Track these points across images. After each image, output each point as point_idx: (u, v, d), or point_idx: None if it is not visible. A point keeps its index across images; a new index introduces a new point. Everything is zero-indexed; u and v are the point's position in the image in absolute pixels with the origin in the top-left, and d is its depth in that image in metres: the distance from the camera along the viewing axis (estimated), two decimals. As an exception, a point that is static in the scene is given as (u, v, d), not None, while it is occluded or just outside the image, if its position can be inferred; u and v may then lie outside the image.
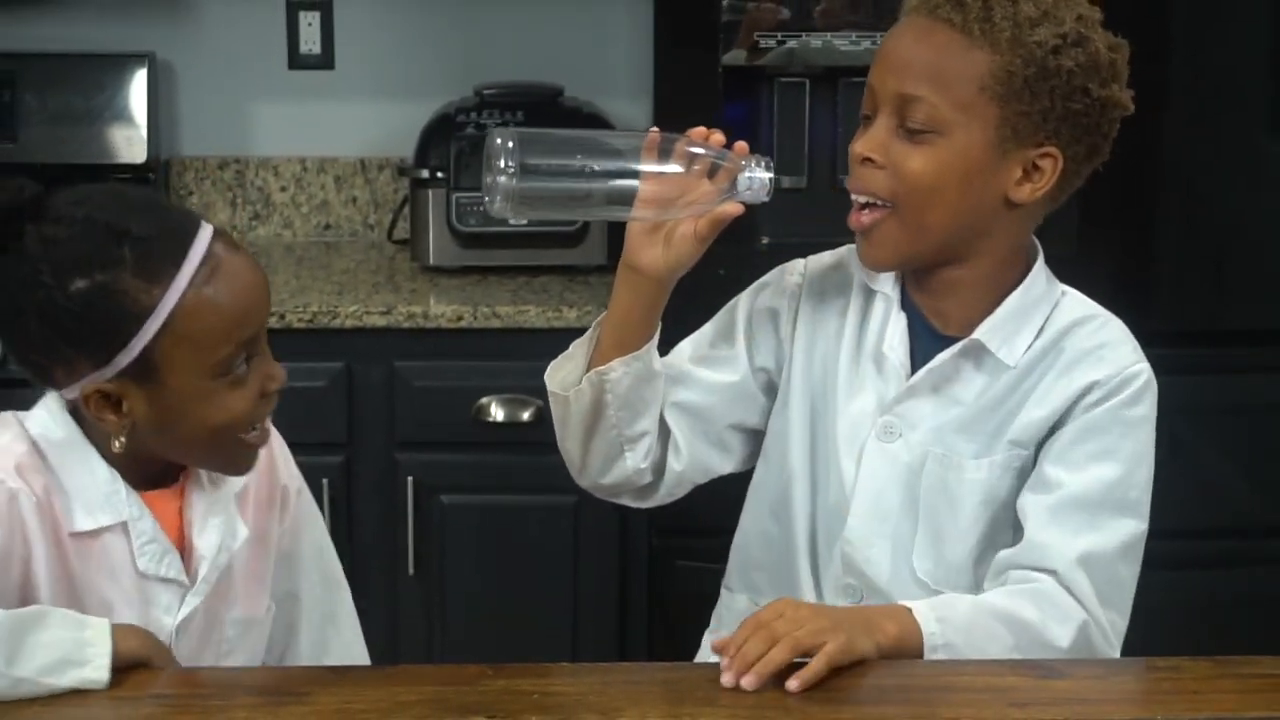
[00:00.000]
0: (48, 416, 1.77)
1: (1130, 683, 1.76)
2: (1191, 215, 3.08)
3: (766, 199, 1.83)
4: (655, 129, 1.83)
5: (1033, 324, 1.91)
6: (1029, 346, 1.91)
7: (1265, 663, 1.75)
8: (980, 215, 1.87)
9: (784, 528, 2.00)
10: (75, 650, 1.65)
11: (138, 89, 3.56)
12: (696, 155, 1.81)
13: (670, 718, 1.62)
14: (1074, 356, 1.90)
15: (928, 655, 1.74)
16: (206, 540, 1.81)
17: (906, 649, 1.74)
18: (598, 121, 3.41)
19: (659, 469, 2.00)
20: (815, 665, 1.65)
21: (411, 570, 3.15)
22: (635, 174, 1.82)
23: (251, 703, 1.65)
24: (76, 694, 1.67)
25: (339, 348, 3.11)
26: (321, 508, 3.10)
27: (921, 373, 1.92)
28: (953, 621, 1.77)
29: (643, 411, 1.93)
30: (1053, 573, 1.83)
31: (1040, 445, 1.90)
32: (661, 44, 3.04)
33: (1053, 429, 1.89)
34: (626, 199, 1.82)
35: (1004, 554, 1.87)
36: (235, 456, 1.80)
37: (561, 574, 3.16)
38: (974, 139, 1.83)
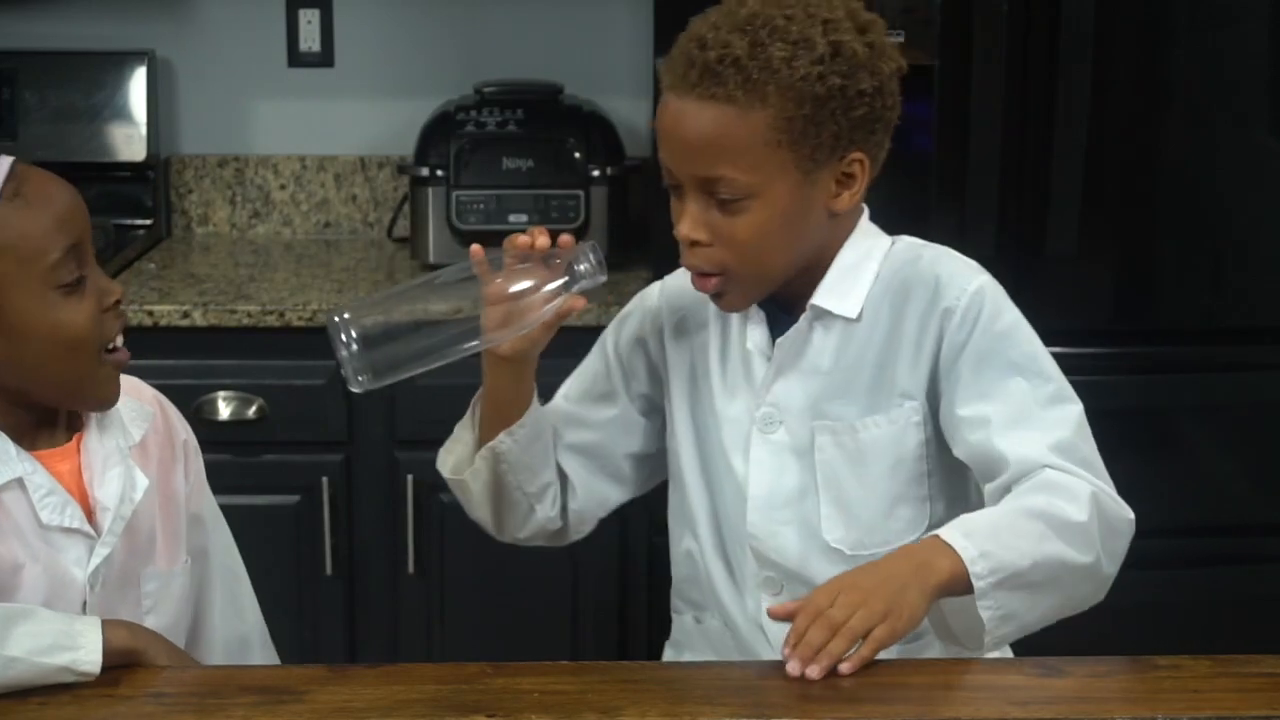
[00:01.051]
0: None
1: (1131, 681, 1.76)
2: (1191, 214, 3.08)
3: (604, 279, 1.89)
4: (477, 247, 1.89)
5: (866, 275, 1.95)
6: (867, 295, 1.94)
7: (1265, 661, 1.75)
8: (812, 238, 1.91)
9: (695, 540, 2.04)
10: (66, 637, 1.68)
11: (137, 87, 3.57)
12: (525, 268, 1.87)
13: (670, 716, 1.62)
14: (920, 293, 1.93)
15: (971, 568, 1.74)
16: (107, 491, 1.83)
17: (958, 576, 1.74)
18: (597, 119, 3.42)
19: (565, 512, 2.08)
20: (863, 652, 1.68)
21: (412, 569, 3.15)
22: (475, 306, 1.87)
23: (250, 701, 1.65)
24: (74, 693, 1.67)
25: (339, 346, 3.10)
26: (320, 506, 3.12)
27: (776, 353, 1.95)
28: (978, 531, 1.78)
29: (540, 467, 2.03)
30: (1041, 469, 1.84)
31: (930, 393, 1.93)
32: (661, 43, 3.03)
33: (934, 372, 1.92)
34: (474, 332, 1.88)
35: (993, 485, 1.88)
36: (97, 379, 1.82)
37: (561, 573, 3.16)
38: (781, 187, 1.85)
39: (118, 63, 3.58)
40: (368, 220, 3.73)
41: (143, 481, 1.86)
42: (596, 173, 3.31)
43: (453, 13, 3.65)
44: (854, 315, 1.93)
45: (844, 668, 1.67)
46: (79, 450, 1.85)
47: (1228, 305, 3.11)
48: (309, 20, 3.66)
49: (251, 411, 3.09)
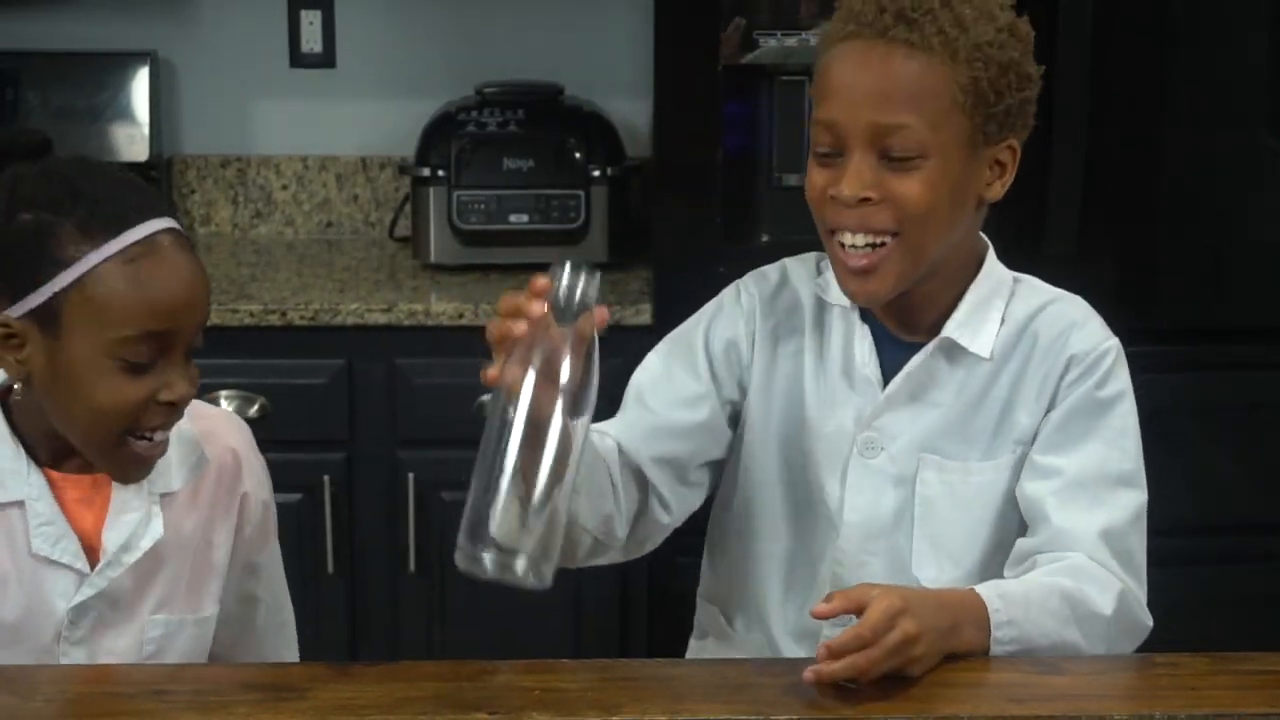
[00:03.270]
0: None
1: (1129, 678, 1.76)
2: (1190, 214, 3.08)
3: (593, 295, 1.61)
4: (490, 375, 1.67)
5: (995, 312, 1.91)
6: (996, 334, 1.90)
7: (1263, 659, 1.75)
8: (963, 226, 1.87)
9: (751, 550, 1.98)
10: None
11: (140, 87, 3.57)
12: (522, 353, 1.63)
13: (670, 714, 1.62)
14: (1049, 341, 1.90)
15: (995, 632, 1.72)
16: (113, 534, 1.80)
17: (977, 646, 1.73)
18: (597, 120, 3.42)
19: (642, 526, 1.94)
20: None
21: (413, 567, 3.15)
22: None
23: (253, 699, 1.64)
24: (76, 691, 1.67)
25: (340, 345, 3.11)
26: (322, 505, 3.12)
27: (898, 381, 1.90)
28: (1011, 598, 1.76)
29: (601, 502, 1.86)
30: (1078, 551, 1.83)
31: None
32: (661, 43, 3.04)
33: (1046, 417, 1.90)
34: (543, 433, 1.63)
35: (1025, 542, 1.86)
36: (118, 457, 1.76)
37: (562, 571, 3.15)
38: (953, 154, 1.80)
39: (121, 63, 3.58)
40: (369, 220, 3.73)
41: (156, 531, 1.81)
42: (597, 173, 3.31)
43: (454, 14, 3.65)
44: (987, 354, 1.89)
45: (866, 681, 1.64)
46: (107, 482, 1.81)
47: (1226, 305, 3.12)
48: (311, 21, 3.66)
49: (254, 410, 3.09)
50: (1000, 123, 1.82)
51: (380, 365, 3.13)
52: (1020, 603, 1.76)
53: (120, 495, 1.81)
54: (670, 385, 1.97)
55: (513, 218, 3.29)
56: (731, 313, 1.98)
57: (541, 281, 1.59)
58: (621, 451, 1.91)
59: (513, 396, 1.64)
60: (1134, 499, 1.88)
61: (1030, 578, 1.82)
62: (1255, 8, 3.01)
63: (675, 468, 1.94)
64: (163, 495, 1.84)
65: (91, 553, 1.80)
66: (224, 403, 3.08)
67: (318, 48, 3.67)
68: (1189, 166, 3.05)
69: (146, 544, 1.81)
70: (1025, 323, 1.91)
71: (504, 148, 3.30)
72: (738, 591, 2.03)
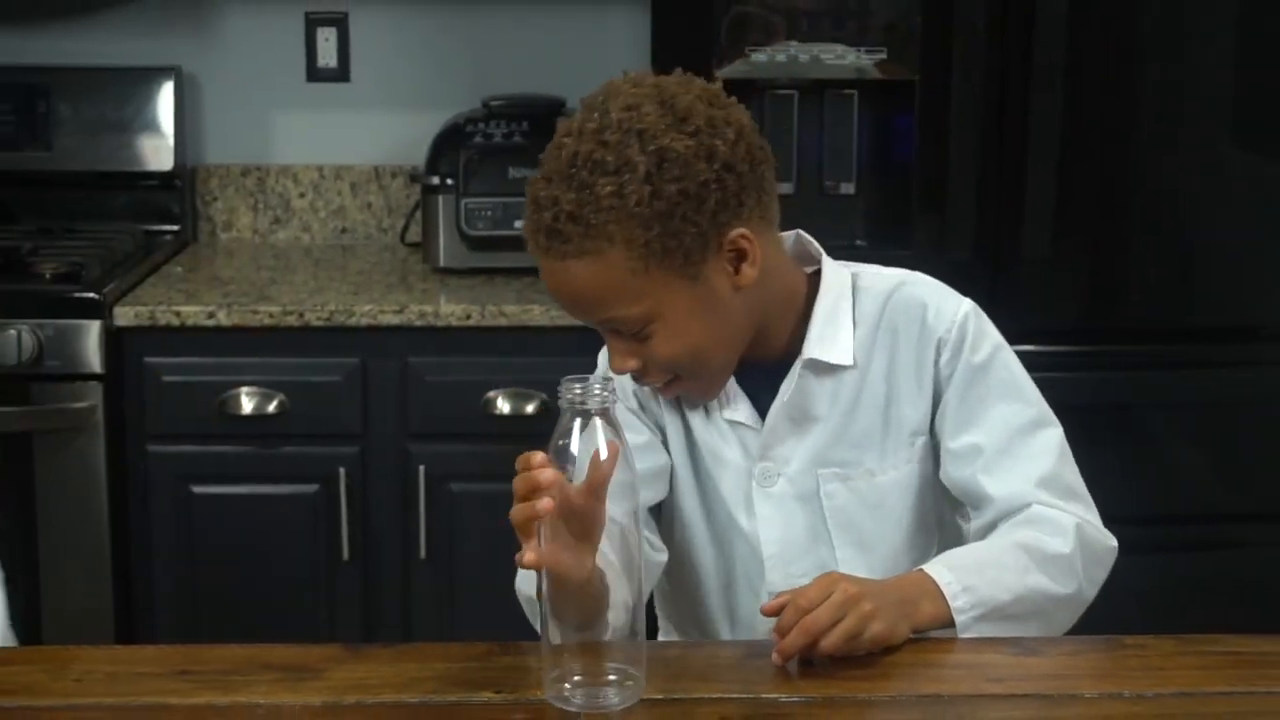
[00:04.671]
0: None
1: (1100, 659, 1.76)
2: (1159, 219, 3.09)
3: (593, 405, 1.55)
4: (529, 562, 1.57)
5: (845, 318, 1.87)
6: (853, 338, 1.87)
7: (1226, 640, 1.76)
8: (739, 318, 1.81)
9: (693, 585, 1.96)
10: None
11: (165, 100, 3.57)
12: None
13: (666, 692, 1.62)
14: (908, 330, 1.88)
15: (953, 603, 1.72)
16: None
17: (940, 617, 1.73)
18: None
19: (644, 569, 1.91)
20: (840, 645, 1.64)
21: (424, 554, 3.16)
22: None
23: (272, 679, 1.65)
24: (105, 669, 1.68)
25: (355, 344, 3.11)
26: (338, 496, 3.12)
27: (774, 413, 1.88)
28: (962, 566, 1.76)
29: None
30: (1026, 506, 1.83)
31: (932, 423, 1.89)
32: (658, 57, 3.04)
33: (933, 403, 1.88)
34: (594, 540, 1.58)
35: (978, 522, 1.86)
36: None
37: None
38: (676, 300, 1.75)
39: (146, 78, 3.58)
40: (382, 226, 3.73)
41: None
42: (598, 181, 3.31)
43: (461, 31, 3.65)
44: (850, 361, 1.86)
45: (825, 644, 1.63)
46: None
47: (1193, 306, 3.12)
48: (326, 38, 3.66)
49: (273, 406, 3.09)
50: (701, 245, 1.73)
51: (393, 363, 3.13)
52: (972, 568, 1.76)
53: None
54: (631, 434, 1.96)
55: (518, 224, 3.24)
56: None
57: (538, 456, 1.55)
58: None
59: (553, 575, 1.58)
60: (1051, 437, 1.87)
61: (983, 542, 1.83)
62: (1220, 24, 3.01)
63: (655, 512, 1.94)
64: None
65: None
66: (245, 399, 3.09)
67: (333, 63, 3.67)
68: (1158, 175, 3.06)
69: None
70: (878, 318, 1.88)
71: (509, 157, 3.30)
72: (689, 622, 2.01)
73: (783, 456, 1.89)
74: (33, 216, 3.56)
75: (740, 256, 1.77)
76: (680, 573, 1.97)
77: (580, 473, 1.54)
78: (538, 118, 3.37)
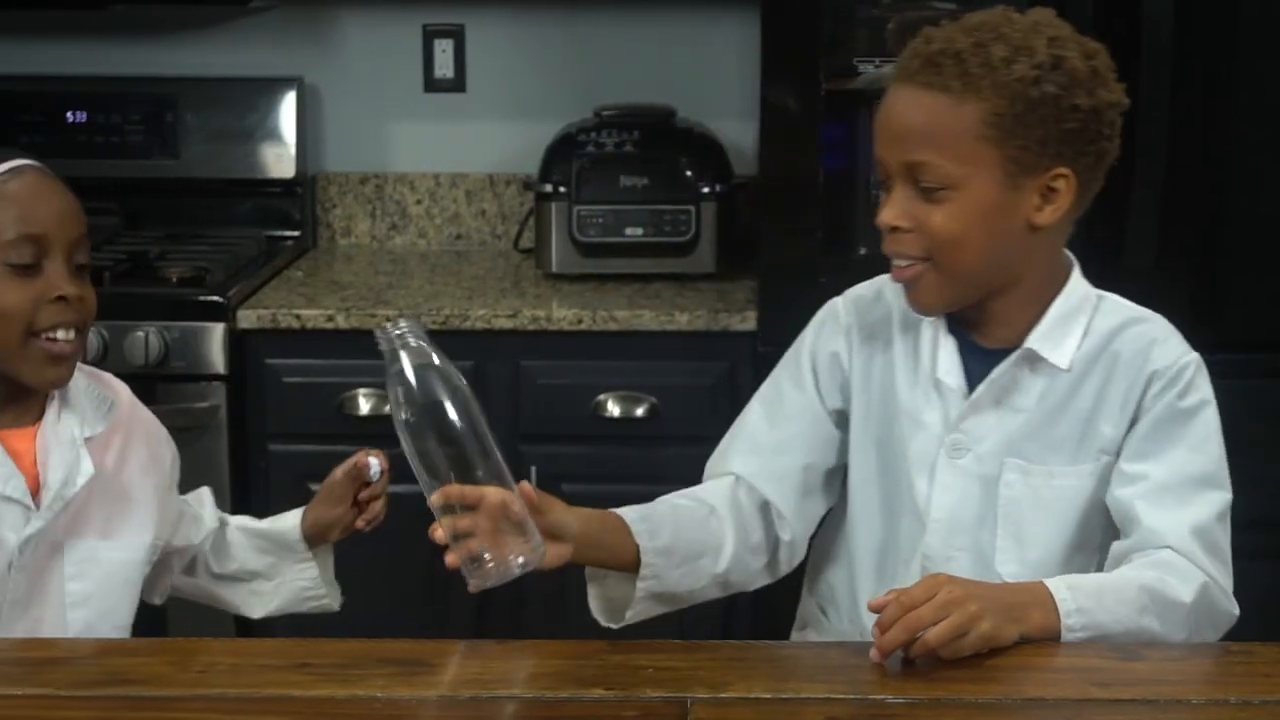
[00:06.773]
0: None
1: (1205, 665, 1.74)
2: (1265, 229, 3.03)
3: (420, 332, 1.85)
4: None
5: (1078, 327, 1.90)
6: (1078, 348, 1.89)
7: (1333, 648, 1.73)
8: (1010, 248, 1.84)
9: (848, 545, 1.99)
10: None
11: (287, 110, 3.60)
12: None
13: (774, 692, 1.62)
14: (1131, 357, 1.89)
15: (1065, 620, 1.72)
16: (53, 473, 1.88)
17: (1049, 628, 1.72)
18: (706, 140, 3.43)
19: (774, 549, 1.99)
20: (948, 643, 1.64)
21: (534, 553, 3.16)
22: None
23: (389, 672, 1.66)
24: (229, 661, 1.69)
25: (469, 348, 3.12)
26: (452, 495, 3.13)
27: (982, 388, 1.90)
28: (1082, 588, 1.75)
29: (698, 556, 1.95)
30: (1168, 547, 1.82)
31: (1121, 446, 1.89)
32: (768, 69, 3.03)
33: (1130, 429, 1.88)
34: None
35: (1119, 545, 1.86)
36: (29, 357, 1.86)
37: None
38: (984, 184, 1.80)
39: (269, 88, 3.61)
40: (496, 233, 3.74)
41: (88, 470, 1.91)
42: (706, 190, 3.31)
43: (574, 42, 3.66)
44: (1065, 366, 1.88)
45: (929, 637, 1.62)
46: (35, 435, 1.91)
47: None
48: (443, 49, 3.68)
49: (388, 407, 3.10)
50: (1038, 153, 1.79)
51: (506, 366, 3.14)
52: (1092, 593, 1.75)
53: (51, 440, 1.90)
54: (771, 407, 2.01)
55: (628, 231, 3.29)
56: (831, 328, 2.00)
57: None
58: (739, 485, 1.97)
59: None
60: (1218, 498, 1.87)
61: (1110, 573, 1.82)
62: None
63: (792, 481, 1.98)
64: (86, 440, 1.92)
65: (31, 494, 1.88)
66: (362, 400, 3.11)
67: (450, 74, 3.69)
68: (1265, 182, 3.01)
69: (81, 480, 1.90)
70: (1108, 339, 1.90)
71: (620, 166, 3.31)
72: (835, 585, 2.03)
73: (978, 434, 1.90)
74: (160, 223, 3.60)
75: (1049, 196, 1.81)
76: (841, 531, 2.00)
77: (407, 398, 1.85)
78: (648, 127, 3.37)
